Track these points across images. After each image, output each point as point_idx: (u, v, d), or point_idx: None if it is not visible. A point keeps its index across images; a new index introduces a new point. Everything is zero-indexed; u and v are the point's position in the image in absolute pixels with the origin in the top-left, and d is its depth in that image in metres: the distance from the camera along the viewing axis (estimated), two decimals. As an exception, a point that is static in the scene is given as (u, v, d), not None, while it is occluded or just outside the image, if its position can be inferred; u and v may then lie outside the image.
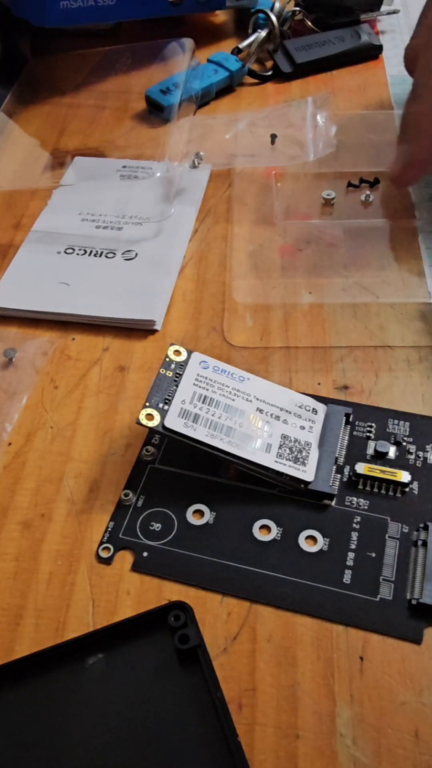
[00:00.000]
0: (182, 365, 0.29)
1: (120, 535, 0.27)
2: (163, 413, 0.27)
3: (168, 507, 0.28)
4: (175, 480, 0.28)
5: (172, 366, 0.29)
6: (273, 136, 0.43)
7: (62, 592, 0.26)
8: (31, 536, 0.27)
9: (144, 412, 0.27)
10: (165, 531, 0.27)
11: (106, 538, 0.27)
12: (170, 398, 0.28)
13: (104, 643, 0.24)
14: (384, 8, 0.53)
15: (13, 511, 0.28)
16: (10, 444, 0.30)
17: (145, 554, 0.26)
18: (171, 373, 0.29)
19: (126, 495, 0.28)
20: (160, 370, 0.28)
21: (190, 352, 0.29)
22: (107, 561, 0.26)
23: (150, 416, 0.27)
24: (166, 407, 0.27)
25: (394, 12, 0.54)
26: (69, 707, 0.23)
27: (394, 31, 0.54)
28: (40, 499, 0.28)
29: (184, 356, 0.29)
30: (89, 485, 0.29)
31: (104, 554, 0.26)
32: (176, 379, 0.28)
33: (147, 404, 0.27)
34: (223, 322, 0.34)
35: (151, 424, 0.27)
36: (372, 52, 0.51)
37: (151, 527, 0.27)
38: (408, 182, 0.39)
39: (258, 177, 0.41)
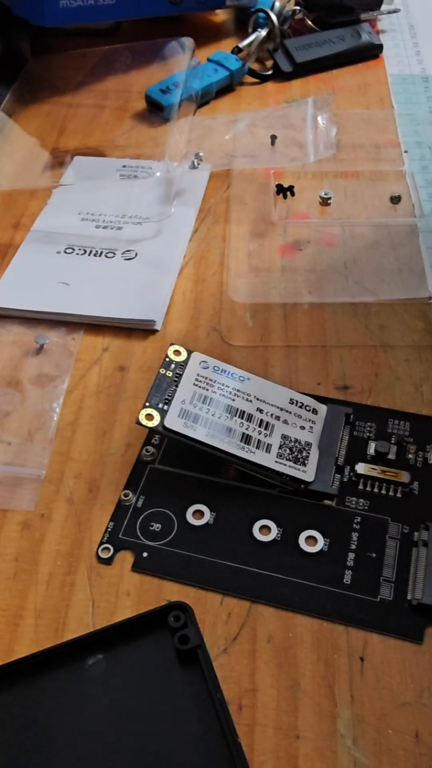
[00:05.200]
0: (182, 365, 0.29)
1: (120, 536, 0.27)
2: (163, 413, 0.27)
3: (168, 507, 0.28)
4: (175, 480, 0.28)
5: (172, 366, 0.29)
6: (273, 137, 0.43)
7: (62, 592, 0.26)
8: (31, 536, 0.27)
9: (144, 412, 0.27)
10: (165, 531, 0.27)
11: (106, 538, 0.27)
12: (170, 398, 0.28)
13: (104, 644, 0.24)
14: (384, 7, 0.53)
15: (12, 511, 0.28)
16: (9, 444, 0.30)
17: (145, 554, 0.26)
18: (171, 373, 0.29)
19: (126, 495, 0.28)
20: (160, 370, 0.28)
21: (190, 352, 0.29)
22: (107, 561, 0.26)
23: (150, 416, 0.27)
24: (166, 407, 0.27)
25: (395, 11, 0.54)
26: (69, 708, 0.23)
27: (394, 31, 0.54)
28: (39, 499, 0.28)
29: (184, 356, 0.29)
30: (89, 485, 0.29)
31: (104, 554, 0.26)
32: (176, 379, 0.28)
33: (147, 404, 0.27)
34: (223, 322, 0.34)
35: (151, 424, 0.27)
36: (372, 52, 0.51)
37: (151, 527, 0.27)
38: None
39: (257, 177, 0.41)
